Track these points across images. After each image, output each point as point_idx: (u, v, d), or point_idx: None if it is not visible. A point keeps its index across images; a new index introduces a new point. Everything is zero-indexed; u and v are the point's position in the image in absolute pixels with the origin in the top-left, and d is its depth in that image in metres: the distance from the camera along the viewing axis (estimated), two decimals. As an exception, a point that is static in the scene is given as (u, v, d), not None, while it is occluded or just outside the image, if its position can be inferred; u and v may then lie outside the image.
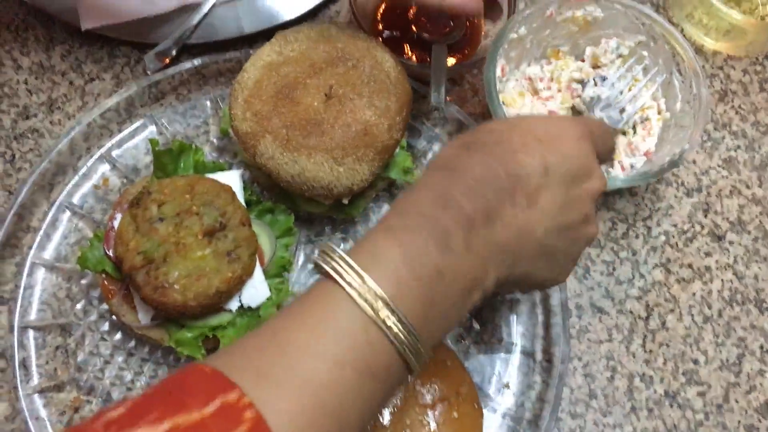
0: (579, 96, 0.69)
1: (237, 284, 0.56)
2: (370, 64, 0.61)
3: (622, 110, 0.68)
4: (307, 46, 0.61)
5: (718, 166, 0.73)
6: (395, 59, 0.63)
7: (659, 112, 0.70)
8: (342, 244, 0.66)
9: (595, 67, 0.71)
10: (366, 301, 0.38)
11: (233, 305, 0.57)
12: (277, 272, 0.60)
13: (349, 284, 0.38)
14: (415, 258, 0.40)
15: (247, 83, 0.60)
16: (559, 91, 0.70)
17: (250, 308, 0.57)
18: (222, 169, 0.62)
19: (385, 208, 0.68)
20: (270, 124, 0.58)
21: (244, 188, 0.62)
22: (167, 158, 0.61)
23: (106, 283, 0.58)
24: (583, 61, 0.71)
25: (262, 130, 0.58)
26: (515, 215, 0.43)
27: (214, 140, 0.69)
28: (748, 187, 0.72)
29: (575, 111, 0.69)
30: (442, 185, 0.43)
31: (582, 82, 0.70)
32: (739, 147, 0.74)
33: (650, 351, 0.65)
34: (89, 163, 0.67)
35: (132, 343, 0.61)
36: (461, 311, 0.42)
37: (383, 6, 0.75)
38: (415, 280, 0.39)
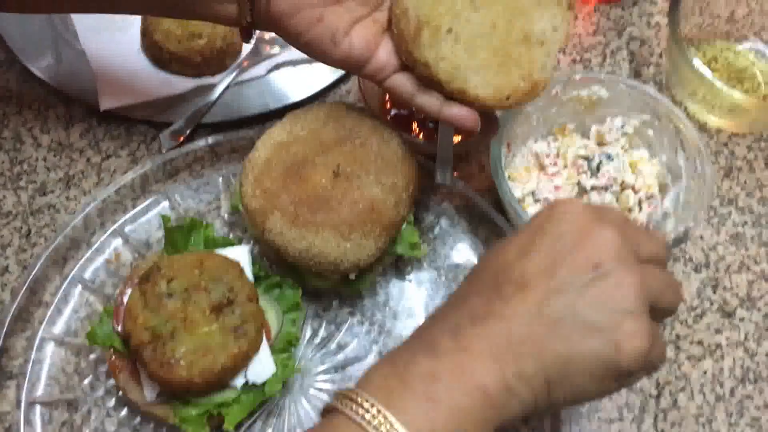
0: (585, 172, 0.70)
1: (243, 360, 0.56)
2: (377, 143, 0.62)
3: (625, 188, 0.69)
4: (316, 125, 0.63)
5: (726, 241, 0.73)
6: (402, 138, 0.65)
7: (664, 190, 0.71)
8: (349, 318, 0.67)
9: (601, 144, 0.72)
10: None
11: (239, 382, 0.57)
12: (284, 348, 0.60)
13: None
14: (404, 369, 0.42)
15: (257, 161, 0.61)
16: (565, 167, 0.71)
17: (255, 385, 0.57)
18: (231, 245, 0.63)
19: (393, 282, 0.69)
20: (279, 201, 0.59)
21: (253, 263, 0.62)
22: (178, 234, 0.62)
23: (113, 358, 0.59)
24: (588, 138, 0.73)
25: (271, 207, 0.59)
26: (507, 306, 0.42)
27: (225, 216, 0.71)
28: (756, 262, 0.72)
29: (581, 187, 0.70)
30: (433, 316, 0.46)
31: (588, 159, 0.71)
32: (746, 223, 0.74)
33: (662, 431, 0.64)
34: (102, 238, 0.68)
35: (137, 420, 0.61)
36: (480, 415, 0.40)
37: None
38: (402, 383, 0.41)
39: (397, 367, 0.42)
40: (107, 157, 0.74)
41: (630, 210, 0.70)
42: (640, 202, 0.70)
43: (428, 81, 0.55)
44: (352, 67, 0.56)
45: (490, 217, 0.69)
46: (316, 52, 0.55)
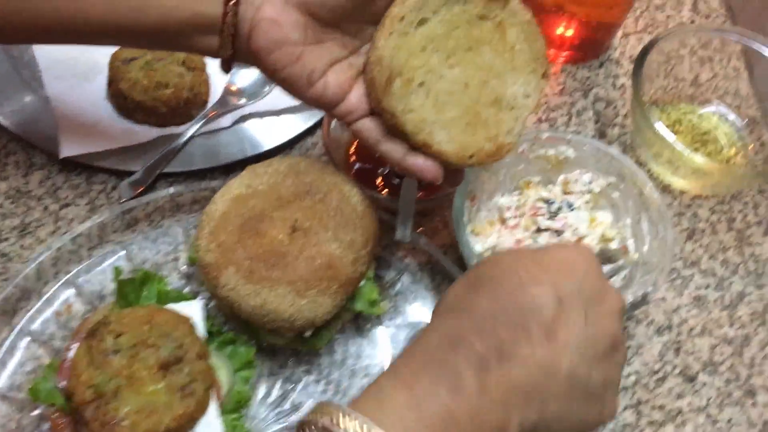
0: (542, 215, 0.69)
1: (189, 421, 0.54)
2: (337, 198, 0.62)
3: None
4: (275, 179, 0.62)
5: (689, 304, 0.73)
6: (363, 193, 0.64)
7: (627, 252, 0.70)
8: (305, 377, 0.65)
9: (565, 193, 0.72)
10: None
11: (184, 443, 0.55)
12: (234, 407, 0.59)
13: None
14: (423, 403, 0.39)
15: (214, 215, 0.60)
16: (524, 215, 0.71)
17: (200, 447, 0.55)
18: (185, 299, 0.62)
19: (352, 339, 0.67)
20: (234, 256, 0.58)
21: (207, 318, 0.61)
22: (130, 288, 0.61)
23: (56, 416, 0.57)
24: (554, 185, 0.73)
25: (225, 262, 0.58)
26: (533, 352, 0.41)
27: (183, 268, 0.69)
28: (719, 326, 0.71)
29: (535, 228, 0.69)
30: (450, 326, 0.43)
31: (548, 202, 0.70)
32: (708, 285, 0.74)
33: (622, 498, 0.62)
34: (54, 289, 0.66)
35: (79, 480, 0.59)
36: None
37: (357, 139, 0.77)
38: (424, 427, 0.38)
39: (415, 395, 0.39)
40: (65, 206, 0.73)
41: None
42: (602, 263, 0.70)
43: (395, 130, 0.55)
44: (323, 105, 0.56)
45: (452, 274, 0.69)
46: (291, 88, 0.55)
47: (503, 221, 0.71)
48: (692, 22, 0.93)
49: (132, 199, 0.71)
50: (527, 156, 0.71)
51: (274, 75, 0.54)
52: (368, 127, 0.56)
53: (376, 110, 0.56)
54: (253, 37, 0.52)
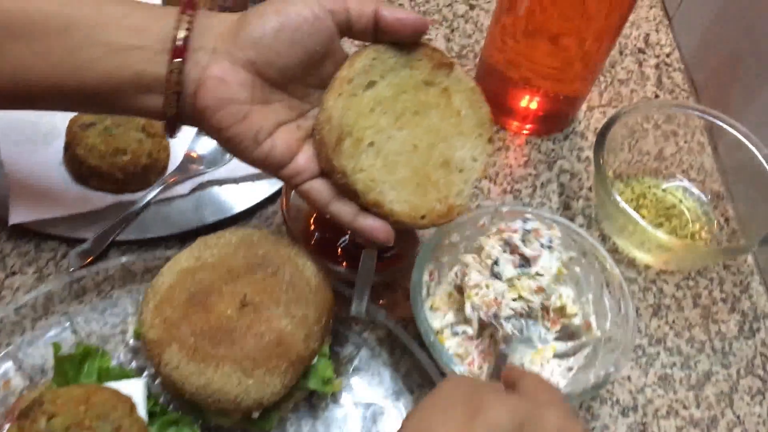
0: (515, 232, 0.67)
1: None
2: (290, 272, 0.60)
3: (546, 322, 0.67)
4: (226, 251, 0.60)
5: (654, 383, 0.71)
6: (318, 266, 0.62)
7: (590, 329, 0.69)
8: (254, 460, 0.62)
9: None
10: None
11: None
12: (174, 494, 0.55)
13: None
14: None
15: (159, 288, 0.58)
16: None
17: None
18: (128, 376, 0.59)
19: (305, 419, 0.65)
20: (178, 332, 0.56)
21: (150, 397, 0.58)
22: (69, 364, 0.58)
23: (-20, 502, 0.53)
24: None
25: (169, 338, 0.56)
26: None
27: (131, 341, 0.66)
28: (685, 407, 0.69)
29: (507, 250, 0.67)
30: None
31: (509, 244, 0.68)
32: (674, 364, 0.72)
33: None
34: (-8, 362, 0.63)
35: None
36: None
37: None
38: None
39: None
40: (12, 274, 0.70)
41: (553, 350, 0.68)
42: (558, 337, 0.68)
43: (345, 190, 0.55)
44: (269, 167, 0.55)
45: (410, 350, 0.67)
46: (237, 149, 0.54)
47: (461, 290, 0.69)
48: (656, 96, 0.94)
49: (81, 268, 0.69)
50: (487, 229, 0.70)
51: (219, 134, 0.53)
52: (317, 188, 0.56)
53: (325, 170, 0.55)
54: (199, 95, 0.51)
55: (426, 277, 0.65)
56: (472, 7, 0.98)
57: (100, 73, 0.52)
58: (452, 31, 0.95)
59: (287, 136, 0.55)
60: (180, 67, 0.51)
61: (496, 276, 0.63)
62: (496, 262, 0.63)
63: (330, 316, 0.62)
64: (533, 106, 0.85)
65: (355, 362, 0.69)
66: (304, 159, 0.55)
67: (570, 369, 0.68)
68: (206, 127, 0.54)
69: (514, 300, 0.62)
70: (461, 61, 0.92)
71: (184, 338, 0.56)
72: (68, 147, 0.74)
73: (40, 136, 0.77)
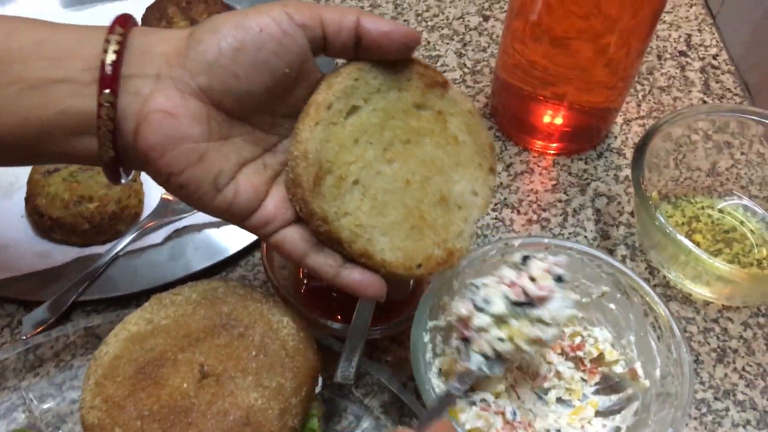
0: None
1: None
2: (261, 332, 0.50)
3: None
4: (184, 311, 0.50)
5: (724, 448, 0.57)
6: (299, 323, 0.52)
7: (637, 378, 0.56)
8: None
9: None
10: None
11: None
12: None
13: None
14: None
15: (103, 360, 0.48)
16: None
17: None
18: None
19: None
20: (122, 415, 0.46)
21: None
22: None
23: None
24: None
25: (111, 422, 0.46)
26: None
27: (90, 419, 0.57)
28: (765, 477, 0.56)
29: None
30: None
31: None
32: (748, 422, 0.59)
33: None
34: (-76, 454, 0.54)
35: None
36: None
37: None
38: None
39: None
40: (-39, 345, 0.61)
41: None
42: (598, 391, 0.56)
43: (327, 238, 0.45)
44: (233, 217, 0.46)
45: (420, 417, 0.55)
46: (192, 197, 0.44)
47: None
48: (704, 103, 0.81)
49: (36, 334, 0.60)
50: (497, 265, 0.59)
51: (169, 181, 0.43)
52: (292, 238, 0.46)
53: (302, 215, 0.45)
54: (141, 134, 0.41)
55: (429, 336, 0.54)
56: (485, 18, 0.88)
57: (18, 115, 0.42)
58: (464, 45, 0.85)
59: (253, 178, 0.45)
60: (111, 99, 0.41)
61: (479, 309, 0.49)
62: (484, 297, 0.49)
63: (314, 384, 0.51)
64: (558, 121, 0.73)
65: (356, 435, 0.57)
66: (274, 204, 0.46)
67: (617, 430, 0.56)
68: (153, 172, 0.44)
69: (500, 340, 0.49)
70: (475, 78, 0.82)
71: (128, 422, 0.46)
72: (29, 198, 0.66)
73: (1, 188, 0.69)
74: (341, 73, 0.45)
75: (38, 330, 0.60)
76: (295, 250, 0.46)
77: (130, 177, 0.47)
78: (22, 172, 0.69)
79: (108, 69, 0.41)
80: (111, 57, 0.41)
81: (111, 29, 0.43)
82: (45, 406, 0.58)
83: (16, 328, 0.62)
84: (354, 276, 0.46)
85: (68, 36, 0.43)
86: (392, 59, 0.46)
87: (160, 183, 0.44)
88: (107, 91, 0.41)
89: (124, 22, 0.43)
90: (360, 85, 0.45)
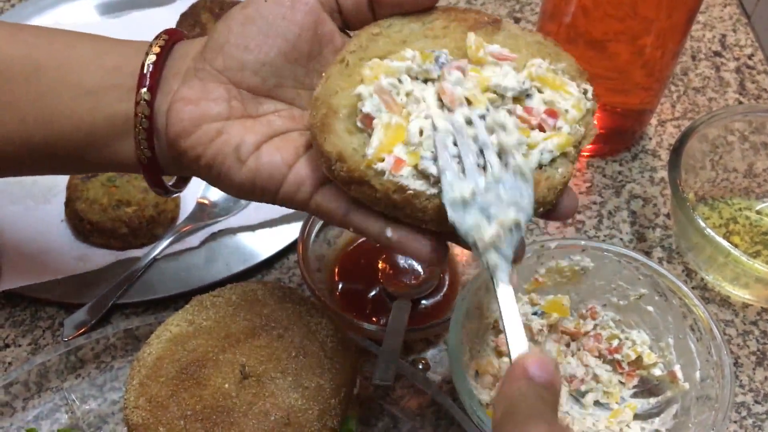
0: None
1: None
2: (300, 333, 0.50)
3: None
4: (224, 312, 0.51)
5: (766, 452, 0.57)
6: (337, 324, 0.52)
7: (676, 381, 0.56)
8: None
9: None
10: None
11: None
12: None
13: None
14: None
15: (146, 361, 0.49)
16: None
17: None
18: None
19: None
20: (166, 414, 0.46)
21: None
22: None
23: None
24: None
25: (155, 422, 0.46)
26: None
27: (131, 420, 0.58)
28: (809, 482, 0.55)
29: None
30: None
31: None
32: (790, 426, 0.58)
33: None
34: (-28, 452, 0.55)
35: None
36: None
37: (345, 254, 0.66)
38: None
39: None
40: (5, 347, 0.63)
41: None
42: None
43: (350, 181, 0.39)
44: (263, 189, 0.42)
45: (459, 422, 0.55)
46: (220, 177, 0.42)
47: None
48: (740, 104, 0.81)
49: (77, 336, 0.61)
50: (534, 269, 0.59)
51: (198, 165, 0.42)
52: (329, 197, 0.42)
53: (324, 170, 0.40)
54: (169, 125, 0.42)
55: (466, 337, 0.54)
56: (517, 20, 0.88)
57: (71, 120, 0.44)
58: (496, 48, 0.85)
59: (280, 146, 0.42)
60: (147, 98, 0.42)
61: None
62: None
63: (352, 385, 0.51)
64: (592, 123, 0.73)
65: (394, 438, 0.57)
66: (306, 166, 0.42)
67: (657, 434, 0.56)
68: (184, 163, 0.43)
69: None
70: (507, 80, 0.82)
71: (172, 421, 0.46)
72: (68, 202, 0.67)
73: (39, 193, 0.70)
74: (362, 31, 0.42)
75: (79, 332, 0.61)
76: (335, 209, 0.42)
77: (180, 190, 0.48)
78: (61, 177, 0.70)
79: (147, 69, 0.43)
80: (151, 58, 0.43)
81: (157, 36, 0.44)
82: (87, 407, 0.58)
83: (57, 330, 0.63)
84: (401, 232, 0.40)
85: (127, 48, 0.45)
86: (417, 9, 0.43)
87: (193, 172, 0.44)
88: (144, 89, 0.43)
89: (171, 31, 0.45)
90: (380, 39, 0.41)
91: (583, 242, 0.57)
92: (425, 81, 0.40)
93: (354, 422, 0.53)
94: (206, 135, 0.42)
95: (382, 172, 0.37)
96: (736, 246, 0.60)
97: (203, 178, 0.44)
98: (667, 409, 0.57)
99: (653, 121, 0.78)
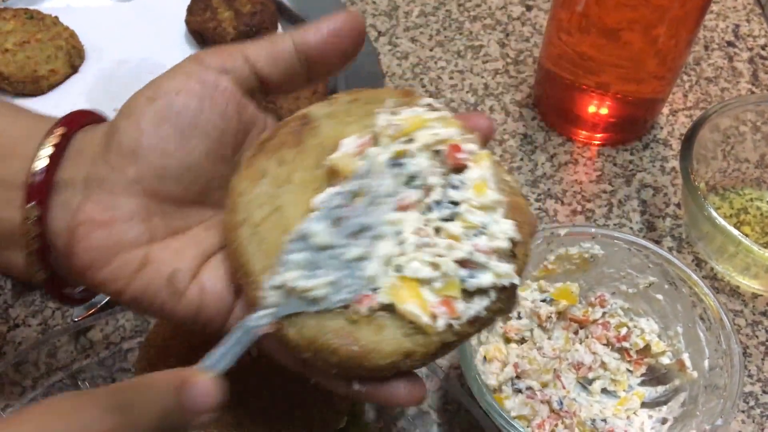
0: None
1: None
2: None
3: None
4: None
5: (773, 442, 0.57)
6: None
7: (685, 369, 0.56)
8: None
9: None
10: None
11: None
12: None
13: None
14: None
15: (155, 342, 0.49)
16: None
17: None
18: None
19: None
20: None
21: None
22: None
23: None
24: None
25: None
26: None
27: (140, 401, 0.58)
28: (816, 472, 0.55)
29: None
30: None
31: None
32: (798, 416, 0.58)
33: None
34: (-19, 430, 0.56)
35: None
36: None
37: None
38: None
39: None
40: (14, 327, 0.63)
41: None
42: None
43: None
44: (208, 322, 0.36)
45: (465, 406, 0.55)
46: (154, 311, 0.36)
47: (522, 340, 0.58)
48: (752, 94, 0.80)
49: (87, 317, 0.61)
50: (543, 255, 0.59)
51: (120, 298, 0.35)
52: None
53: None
54: (75, 251, 0.34)
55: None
56: (528, 8, 0.87)
57: None
58: (507, 35, 0.85)
59: (219, 269, 0.36)
60: (37, 213, 0.35)
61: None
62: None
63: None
64: (603, 111, 0.73)
65: (400, 423, 0.58)
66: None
67: (664, 421, 0.56)
68: (103, 293, 0.37)
69: None
70: (518, 68, 0.81)
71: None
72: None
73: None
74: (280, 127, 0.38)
75: (89, 313, 0.61)
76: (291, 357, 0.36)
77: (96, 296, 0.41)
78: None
79: (37, 177, 0.35)
80: (40, 164, 0.35)
81: (53, 127, 0.36)
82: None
83: (67, 310, 0.64)
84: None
85: (15, 127, 0.37)
86: (353, 55, 0.38)
87: (118, 302, 0.37)
88: (31, 204, 0.35)
89: (70, 118, 0.37)
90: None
91: (593, 229, 0.57)
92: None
93: (360, 407, 0.53)
94: (127, 267, 0.34)
95: None
96: (747, 236, 0.60)
97: (131, 310, 0.39)
98: (674, 398, 0.57)
99: (665, 110, 0.78)
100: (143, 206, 0.35)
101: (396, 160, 0.35)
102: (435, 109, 0.37)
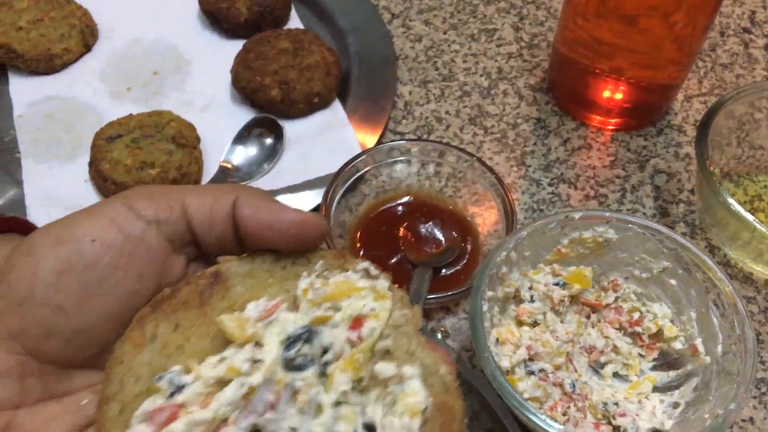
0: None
1: None
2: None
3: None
4: None
5: (785, 428, 0.57)
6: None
7: (697, 354, 0.56)
8: None
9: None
10: None
11: None
12: None
13: None
14: None
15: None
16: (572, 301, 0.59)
17: None
18: None
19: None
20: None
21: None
22: None
23: None
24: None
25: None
26: None
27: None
28: (827, 458, 0.55)
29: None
30: None
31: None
32: (810, 403, 0.58)
33: None
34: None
35: None
36: None
37: (367, 221, 0.66)
38: None
39: None
40: None
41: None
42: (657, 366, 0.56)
43: None
44: None
45: (477, 388, 0.56)
46: None
47: (535, 322, 0.58)
48: (768, 81, 0.80)
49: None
50: (557, 239, 0.59)
51: None
52: None
53: None
54: None
55: (487, 305, 0.54)
56: (544, -8, 0.87)
57: None
58: (521, 19, 0.84)
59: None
60: None
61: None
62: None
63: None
64: (618, 96, 0.72)
65: (411, 402, 0.58)
66: None
67: (676, 405, 0.56)
68: None
69: None
70: (532, 51, 0.81)
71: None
72: (92, 162, 0.68)
73: (64, 153, 0.71)
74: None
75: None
76: None
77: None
78: (85, 137, 0.70)
79: None
80: None
81: None
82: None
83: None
84: None
85: None
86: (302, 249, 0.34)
87: None
88: None
89: None
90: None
91: (607, 213, 0.57)
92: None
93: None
94: None
95: None
96: (761, 222, 0.60)
97: None
98: (686, 383, 0.57)
99: (679, 96, 0.77)
100: (19, 364, 0.30)
101: (293, 349, 0.31)
102: (371, 276, 0.34)
